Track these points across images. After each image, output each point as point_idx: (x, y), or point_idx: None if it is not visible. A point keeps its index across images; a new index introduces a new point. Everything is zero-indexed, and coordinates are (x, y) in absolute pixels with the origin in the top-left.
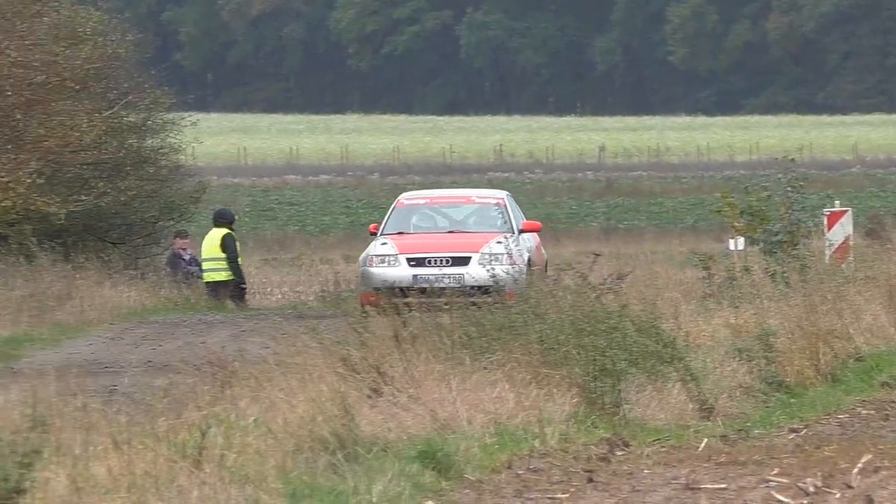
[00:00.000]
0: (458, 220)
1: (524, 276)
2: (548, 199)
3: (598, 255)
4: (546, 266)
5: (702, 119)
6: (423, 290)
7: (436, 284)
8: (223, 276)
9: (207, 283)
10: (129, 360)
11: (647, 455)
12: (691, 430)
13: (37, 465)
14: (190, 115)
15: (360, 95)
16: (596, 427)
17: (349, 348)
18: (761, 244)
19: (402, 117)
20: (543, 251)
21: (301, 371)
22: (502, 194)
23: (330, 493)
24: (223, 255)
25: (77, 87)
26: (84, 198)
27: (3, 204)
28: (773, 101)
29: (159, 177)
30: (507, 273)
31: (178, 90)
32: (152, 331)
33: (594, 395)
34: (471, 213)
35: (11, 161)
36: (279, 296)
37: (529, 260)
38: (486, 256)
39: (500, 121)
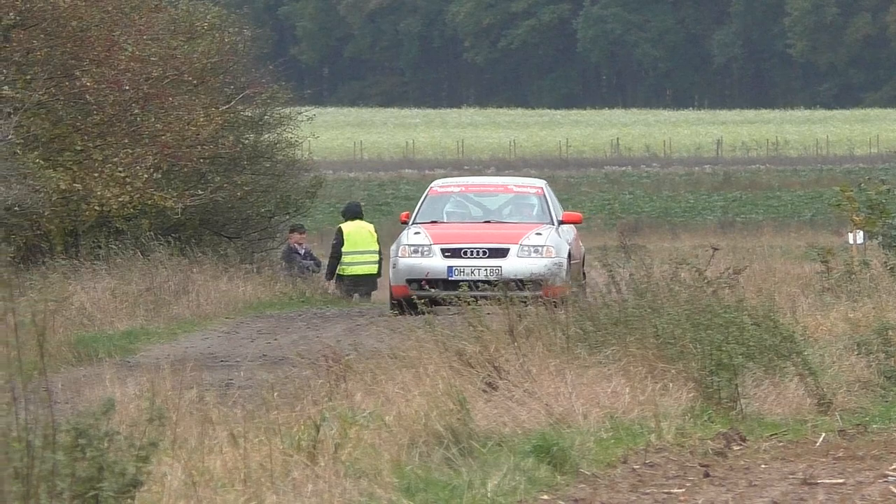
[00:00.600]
0: (493, 209)
1: (565, 270)
2: (665, 192)
3: (717, 248)
4: (583, 260)
5: (821, 112)
6: (457, 283)
7: (471, 277)
8: (375, 268)
9: (356, 275)
10: (244, 353)
11: (764, 450)
12: (809, 424)
13: (153, 459)
14: (306, 110)
15: (476, 89)
16: (712, 422)
17: (464, 342)
18: (880, 238)
19: (518, 111)
20: (581, 244)
21: (416, 365)
22: (541, 183)
23: (445, 488)
24: (378, 248)
25: (195, 81)
26: (200, 192)
27: (120, 198)
28: (892, 95)
29: (275, 171)
30: (548, 267)
31: (294, 85)
32: (268, 325)
33: (711, 390)
34: (507, 202)
35: (129, 156)
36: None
37: (569, 253)
38: (526, 248)
39: (617, 114)
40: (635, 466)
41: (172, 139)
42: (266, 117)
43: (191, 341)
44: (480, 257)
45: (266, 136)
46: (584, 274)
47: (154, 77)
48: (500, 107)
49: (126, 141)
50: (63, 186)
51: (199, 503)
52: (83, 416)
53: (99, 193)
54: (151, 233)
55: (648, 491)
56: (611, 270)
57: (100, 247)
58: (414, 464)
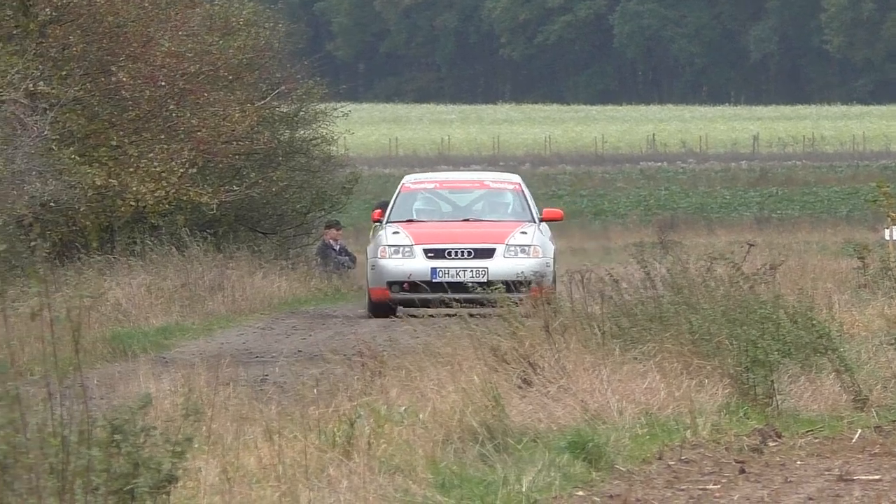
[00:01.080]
0: (469, 206)
1: (552, 269)
2: (701, 188)
3: (753, 244)
4: (554, 260)
5: (857, 108)
6: (441, 286)
7: (456, 279)
8: None
9: None
10: (279, 349)
11: (800, 446)
12: (845, 421)
13: (188, 454)
14: (342, 106)
15: (511, 85)
16: (748, 418)
17: (499, 339)
18: None
19: (554, 107)
20: (554, 243)
21: (451, 361)
22: (517, 178)
23: (479, 484)
24: None
25: (230, 77)
26: (236, 188)
27: (155, 194)
28: None
29: (311, 167)
30: (536, 268)
31: (330, 81)
32: (303, 321)
33: (746, 386)
34: (482, 198)
35: (164, 151)
36: None
37: (555, 251)
38: (512, 248)
39: (653, 110)
40: (671, 463)
41: (208, 135)
42: (301, 113)
43: (226, 337)
44: (465, 258)
45: (301, 131)
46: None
47: (190, 73)
48: (536, 102)
49: (161, 137)
50: (98, 182)
51: (234, 499)
52: (118, 412)
53: (134, 189)
54: (187, 228)
55: (684, 487)
56: (646, 267)
57: (135, 242)
58: (449, 460)
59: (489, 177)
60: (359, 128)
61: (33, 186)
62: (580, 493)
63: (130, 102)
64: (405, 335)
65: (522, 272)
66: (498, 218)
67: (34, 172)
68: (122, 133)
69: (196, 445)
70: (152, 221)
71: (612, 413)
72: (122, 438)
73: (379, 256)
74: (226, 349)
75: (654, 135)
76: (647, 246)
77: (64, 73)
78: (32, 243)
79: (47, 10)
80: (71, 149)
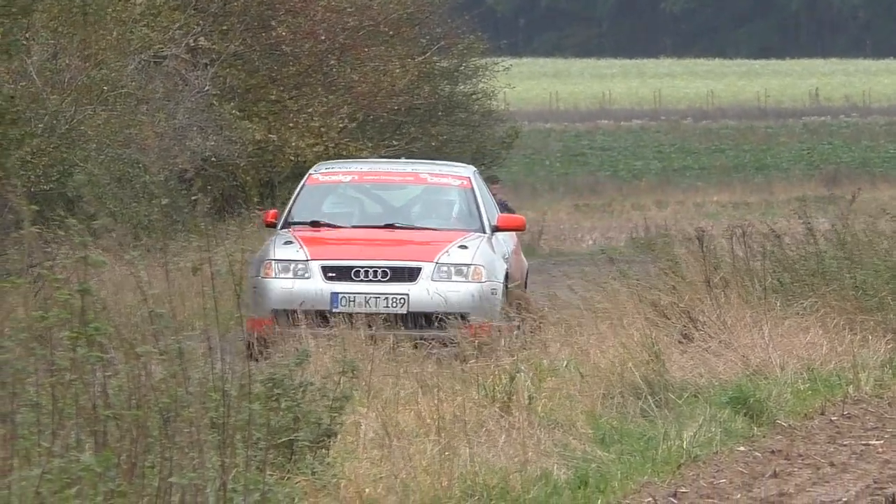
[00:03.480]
0: (399, 207)
1: (500, 299)
2: (864, 142)
3: None
4: (526, 281)
5: None
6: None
7: (365, 309)
8: None
9: None
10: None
11: None
12: None
13: (347, 410)
14: (502, 61)
15: (673, 39)
16: None
17: (659, 293)
18: None
19: (716, 61)
20: (524, 258)
21: (611, 316)
22: (468, 172)
23: (640, 439)
24: None
25: (390, 32)
26: (396, 143)
27: (314, 149)
28: None
29: (471, 122)
30: (475, 294)
31: (490, 35)
32: None
33: None
34: (418, 198)
35: (324, 106)
36: (590, 241)
37: (507, 274)
38: (445, 268)
39: (816, 64)
40: (833, 418)
41: (368, 90)
42: (462, 68)
43: None
44: (379, 280)
45: (462, 86)
46: (526, 301)
47: (350, 28)
48: (698, 57)
49: (321, 91)
50: (258, 137)
51: (394, 453)
52: (278, 367)
53: (294, 144)
54: None
55: (846, 443)
56: (808, 222)
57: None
58: (609, 415)
59: (428, 169)
60: (519, 82)
61: (194, 142)
62: (741, 448)
63: (290, 57)
64: (565, 290)
65: (451, 302)
66: (435, 225)
67: (195, 128)
68: (282, 88)
69: (355, 400)
70: None
71: (773, 368)
72: (282, 393)
73: (262, 275)
74: None
75: (816, 89)
76: (809, 200)
77: (224, 28)
78: (194, 198)
79: None
80: (231, 104)
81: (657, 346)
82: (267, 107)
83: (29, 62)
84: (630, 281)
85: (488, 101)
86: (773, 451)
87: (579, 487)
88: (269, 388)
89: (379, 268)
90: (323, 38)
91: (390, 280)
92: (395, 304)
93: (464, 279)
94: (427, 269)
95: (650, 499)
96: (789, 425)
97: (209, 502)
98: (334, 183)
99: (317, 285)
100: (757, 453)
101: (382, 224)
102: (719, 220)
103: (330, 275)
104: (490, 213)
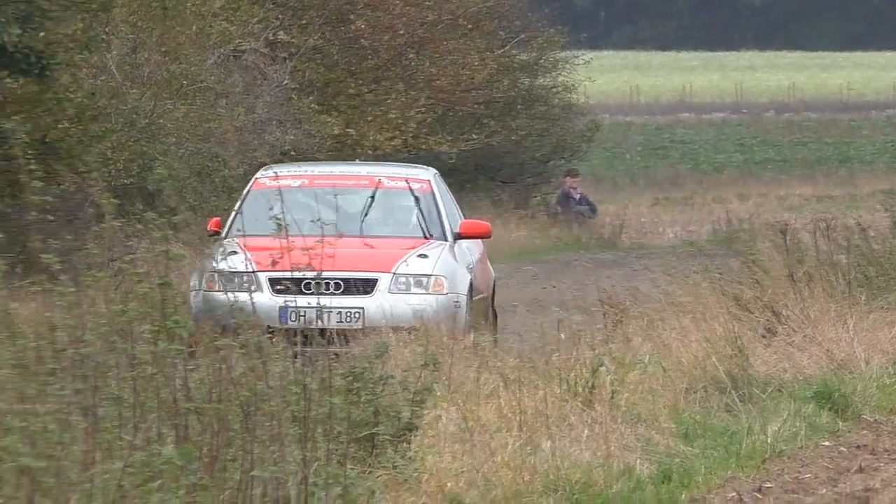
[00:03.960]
0: (353, 213)
1: (464, 311)
2: None
3: None
4: (493, 293)
5: None
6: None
7: (317, 325)
8: None
9: None
10: (519, 298)
11: None
12: None
13: (428, 404)
14: (582, 54)
15: (754, 32)
16: None
17: (742, 287)
18: None
19: (798, 53)
20: (490, 268)
21: (693, 310)
22: (428, 175)
23: (723, 433)
24: None
25: (469, 26)
26: (475, 137)
27: (392, 143)
28: None
29: (551, 116)
30: (436, 307)
31: (569, 29)
32: (543, 270)
33: None
34: (376, 203)
35: (402, 100)
36: (671, 235)
37: (471, 284)
38: (403, 279)
39: None
40: None
41: (447, 84)
42: (541, 61)
43: None
44: (332, 293)
45: (541, 80)
46: (494, 314)
47: (429, 21)
48: (780, 49)
49: (400, 85)
50: (337, 131)
51: (475, 447)
52: (358, 361)
53: (372, 137)
54: None
55: None
56: (893, 215)
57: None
58: (692, 409)
59: (384, 171)
60: (599, 75)
61: (273, 136)
62: (826, 442)
63: (369, 51)
64: (646, 283)
65: (410, 316)
66: (391, 232)
67: (274, 122)
68: (360, 82)
69: (436, 394)
70: None
71: (858, 362)
72: (362, 387)
73: (205, 288)
74: None
75: None
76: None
77: (303, 22)
78: None
79: None
80: (310, 98)
81: (740, 340)
82: (345, 101)
83: (109, 57)
84: (712, 275)
85: (568, 95)
86: (858, 446)
87: (663, 482)
88: (350, 381)
89: (332, 279)
90: (401, 31)
91: (344, 292)
92: (349, 319)
93: (423, 290)
94: (384, 280)
95: (734, 493)
96: (875, 420)
97: (290, 496)
98: (283, 188)
99: (264, 298)
100: (842, 448)
101: (335, 232)
102: (802, 213)
103: (278, 287)
104: (452, 219)
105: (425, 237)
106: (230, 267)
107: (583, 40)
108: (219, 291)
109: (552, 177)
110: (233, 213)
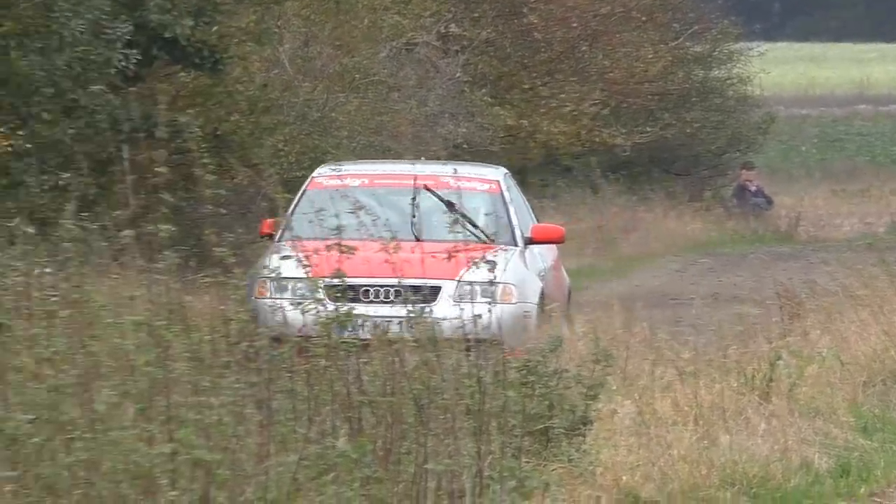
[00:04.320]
0: (417, 216)
1: (534, 322)
2: None
3: None
4: (569, 299)
5: None
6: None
7: (375, 334)
8: None
9: None
10: (694, 291)
11: None
12: None
13: (603, 397)
14: (757, 46)
15: None
16: None
17: None
18: None
19: None
20: (565, 275)
21: (871, 303)
22: (498, 174)
23: None
24: None
25: (643, 18)
26: (649, 129)
27: (566, 135)
28: None
29: (725, 108)
30: (504, 317)
31: (743, 20)
32: (718, 263)
33: None
34: (440, 205)
35: (576, 93)
36: (847, 227)
37: (542, 293)
38: (468, 288)
39: None
40: None
41: (620, 76)
42: (715, 53)
43: (640, 279)
44: (392, 301)
45: (716, 72)
46: (568, 321)
47: (602, 14)
48: None
49: (573, 78)
50: (510, 123)
51: (651, 441)
52: (531, 354)
53: (545, 130)
54: (599, 170)
55: None
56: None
57: (547, 184)
58: (871, 403)
59: (451, 171)
60: (773, 67)
61: (446, 128)
62: None
63: (542, 44)
64: (823, 277)
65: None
66: (458, 237)
67: (447, 114)
68: (533, 75)
69: (610, 388)
70: (564, 163)
71: None
72: (536, 380)
73: (256, 295)
74: (639, 291)
75: None
76: None
77: (476, 15)
78: None
79: None
80: (483, 90)
81: None
82: (519, 94)
83: (281, 50)
84: (890, 268)
85: (743, 87)
86: None
87: (841, 476)
88: (524, 375)
89: (392, 286)
90: (574, 24)
91: (405, 301)
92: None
93: (490, 300)
94: (448, 287)
95: None
96: None
97: (465, 489)
98: (341, 188)
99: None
100: None
101: (396, 235)
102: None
103: (336, 295)
104: (523, 222)
105: (493, 242)
106: (282, 272)
107: (757, 32)
108: (273, 297)
109: (727, 169)
110: (287, 215)
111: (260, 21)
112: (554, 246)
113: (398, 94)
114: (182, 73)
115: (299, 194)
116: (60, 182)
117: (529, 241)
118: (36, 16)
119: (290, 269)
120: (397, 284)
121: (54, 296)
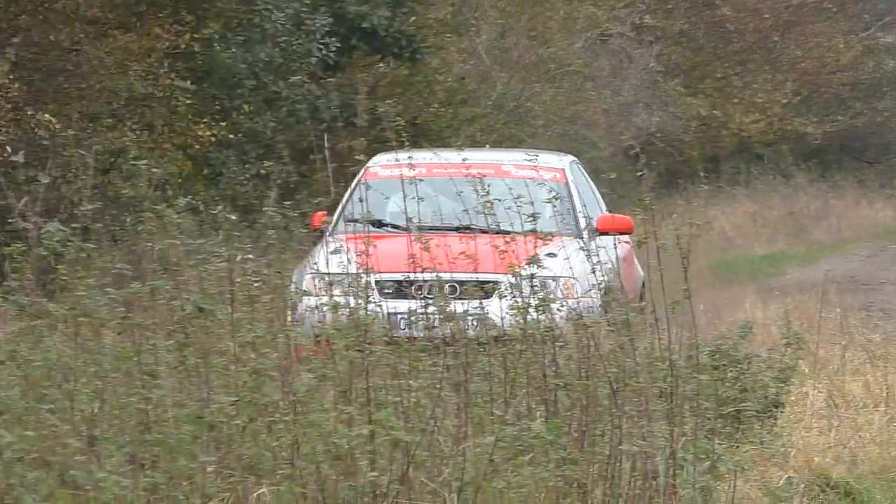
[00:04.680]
0: (476, 207)
1: (601, 315)
2: None
3: None
4: (642, 293)
5: None
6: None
7: (427, 333)
8: None
9: None
10: (886, 277)
11: None
12: None
13: (794, 380)
14: None
15: None
16: None
17: None
18: None
19: None
20: (638, 266)
21: None
22: (563, 162)
23: None
24: None
25: (834, 9)
26: (840, 118)
27: (758, 125)
28: None
29: None
30: (568, 314)
31: None
32: None
33: None
34: (503, 195)
35: (768, 83)
36: None
37: (609, 289)
38: (525, 283)
39: None
40: None
41: (811, 66)
42: None
43: (831, 264)
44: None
45: None
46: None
47: (794, 5)
48: None
49: (766, 68)
50: (703, 113)
51: (841, 423)
52: (724, 338)
53: (738, 119)
54: (791, 158)
55: None
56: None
57: (739, 173)
58: None
59: (513, 159)
60: None
61: (640, 118)
62: None
63: (734, 35)
64: None
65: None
66: (518, 228)
67: (640, 104)
68: (726, 65)
69: (805, 371)
70: (756, 151)
71: None
72: (728, 364)
73: (303, 290)
74: (830, 276)
75: None
76: None
77: (669, 6)
78: (639, 173)
79: None
80: (676, 80)
81: None
82: (712, 84)
83: (478, 42)
84: None
85: None
86: None
87: None
88: (716, 359)
89: (446, 282)
90: (766, 15)
91: (460, 297)
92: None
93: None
94: (505, 282)
95: None
96: None
97: (659, 470)
98: (397, 178)
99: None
100: None
101: (454, 227)
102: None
103: (386, 291)
104: (593, 212)
105: (557, 234)
106: (333, 267)
107: None
108: (318, 295)
109: None
110: (340, 206)
111: (457, 12)
112: (627, 237)
113: (592, 83)
114: (381, 63)
115: (353, 185)
116: (262, 171)
117: (595, 233)
118: (238, 11)
119: (338, 263)
120: (451, 280)
121: (256, 281)
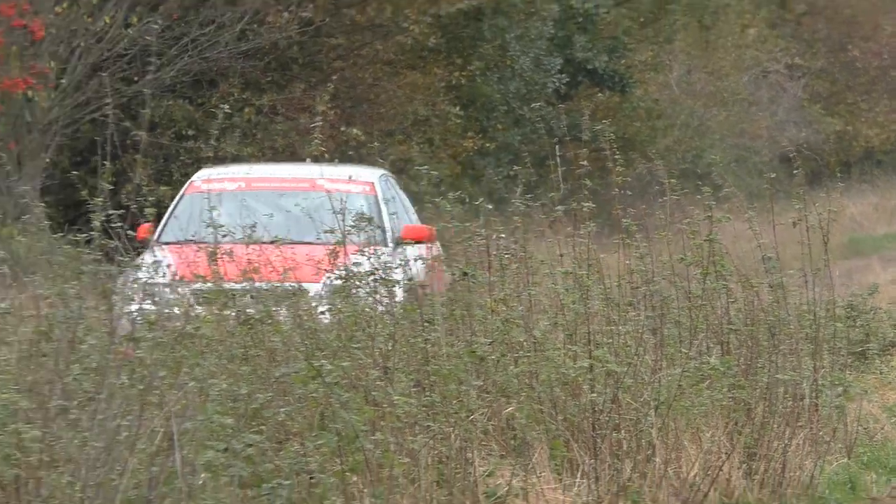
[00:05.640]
0: (291, 219)
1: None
2: None
3: None
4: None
5: None
6: None
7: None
8: None
9: None
10: None
11: None
12: None
13: None
14: None
15: None
16: None
17: None
18: None
19: None
20: (445, 276)
21: None
22: (373, 175)
23: None
24: None
25: None
26: None
27: (880, 137)
28: None
29: None
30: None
31: None
32: None
33: None
34: (316, 208)
35: (887, 106)
36: None
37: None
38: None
39: None
40: None
41: None
42: None
43: None
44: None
45: None
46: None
47: None
48: None
49: (885, 95)
50: (838, 129)
51: None
52: (854, 296)
53: (864, 133)
54: None
55: None
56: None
57: (865, 173)
58: None
59: (328, 173)
60: None
61: (790, 133)
62: None
63: (862, 70)
64: None
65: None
66: (328, 238)
67: (790, 123)
68: (856, 93)
69: None
70: (878, 158)
71: None
72: (857, 315)
73: (126, 298)
74: None
75: None
76: None
77: (813, 50)
78: (794, 171)
79: (802, 5)
80: (817, 105)
81: None
82: (844, 107)
83: (671, 77)
84: None
85: None
86: None
87: None
88: (848, 311)
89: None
90: (885, 56)
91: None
92: None
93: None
94: (314, 290)
95: None
96: None
97: (805, 393)
98: (218, 191)
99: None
100: None
101: (269, 239)
102: None
103: (203, 300)
104: (397, 223)
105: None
106: (153, 278)
107: None
108: (140, 302)
109: None
110: (163, 220)
111: (656, 56)
112: (434, 245)
113: (755, 108)
114: (599, 94)
115: (177, 198)
116: (511, 173)
117: (400, 242)
118: (495, 55)
119: (159, 272)
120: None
121: (506, 254)
